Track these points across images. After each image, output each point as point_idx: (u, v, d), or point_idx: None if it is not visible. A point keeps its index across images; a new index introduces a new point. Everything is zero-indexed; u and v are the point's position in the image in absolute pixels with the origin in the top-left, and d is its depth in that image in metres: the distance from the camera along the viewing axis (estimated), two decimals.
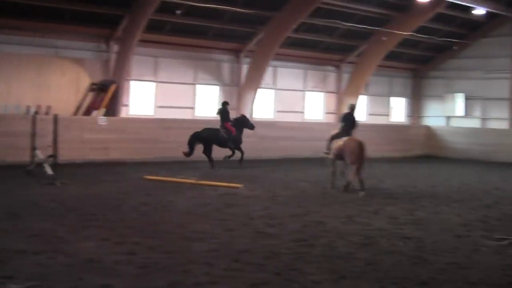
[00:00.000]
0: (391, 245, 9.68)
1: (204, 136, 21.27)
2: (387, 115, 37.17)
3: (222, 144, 21.65)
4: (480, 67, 34.60)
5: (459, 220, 12.33)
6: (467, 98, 35.27)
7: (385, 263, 8.50)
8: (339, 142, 16.39)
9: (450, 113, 35.90)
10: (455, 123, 35.76)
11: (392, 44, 32.00)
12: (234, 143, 21.84)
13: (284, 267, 8.07)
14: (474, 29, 34.45)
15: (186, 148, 21.05)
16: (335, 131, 17.28)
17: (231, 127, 21.70)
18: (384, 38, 31.11)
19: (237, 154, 21.79)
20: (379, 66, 33.46)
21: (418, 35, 31.85)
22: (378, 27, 30.59)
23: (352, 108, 17.47)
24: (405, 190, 16.88)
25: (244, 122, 22.32)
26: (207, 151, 21.44)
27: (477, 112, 35.03)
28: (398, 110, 38.21)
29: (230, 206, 13.12)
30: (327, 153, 17.23)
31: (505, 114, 33.46)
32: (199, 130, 21.21)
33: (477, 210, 13.76)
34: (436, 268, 8.38)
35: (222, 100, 23.25)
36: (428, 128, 33.68)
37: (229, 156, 21.88)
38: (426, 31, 32.12)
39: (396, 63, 35.91)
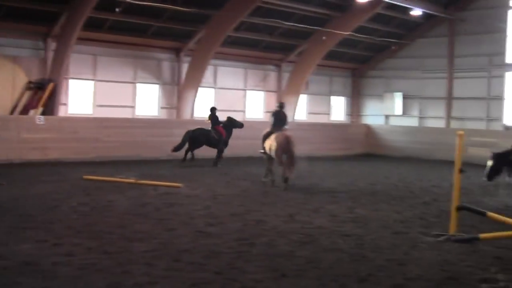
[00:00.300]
0: (331, 243, 9.75)
1: (196, 135, 21.62)
2: (328, 114, 37.56)
3: (211, 145, 22.23)
4: (418, 67, 35.32)
5: (398, 217, 12.52)
6: (405, 97, 35.96)
7: (326, 261, 8.56)
8: (270, 138, 16.81)
9: (389, 112, 36.54)
10: (393, 121, 36.43)
11: (332, 43, 32.35)
12: (224, 145, 22.61)
13: (225, 266, 8.03)
14: (411, 29, 35.13)
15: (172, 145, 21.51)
16: (268, 129, 17.52)
17: (222, 130, 22.35)
18: (324, 38, 31.41)
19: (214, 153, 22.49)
20: (319, 65, 33.79)
21: (358, 35, 32.26)
22: (318, 26, 30.86)
23: (281, 105, 18.05)
24: (345, 188, 17.04)
25: (232, 124, 22.81)
26: (192, 149, 21.81)
27: (415, 111, 35.75)
28: (338, 109, 38.65)
29: (170, 205, 12.99)
30: (264, 151, 17.44)
31: (441, 113, 34.24)
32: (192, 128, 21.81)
33: (415, 207, 14.01)
34: (375, 265, 8.47)
35: (211, 106, 23.64)
36: (367, 126, 34.17)
37: (218, 158, 22.48)
38: (365, 31, 32.58)
39: (336, 63, 36.33)
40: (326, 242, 9.82)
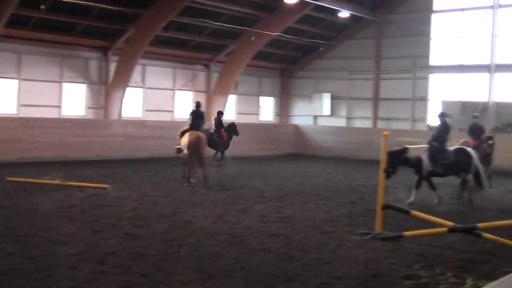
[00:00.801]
0: (259, 243, 9.78)
1: None
2: (257, 114, 37.68)
3: (213, 147, 23.25)
4: (346, 68, 35.86)
5: (325, 217, 12.69)
6: (333, 98, 36.43)
7: (253, 261, 8.58)
8: (185, 136, 17.42)
9: (317, 112, 36.95)
10: (322, 122, 36.87)
11: (261, 44, 32.47)
12: (224, 147, 23.89)
13: (151, 268, 7.95)
14: (340, 31, 35.63)
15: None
16: (185, 127, 17.92)
17: (224, 133, 23.74)
18: (253, 38, 31.51)
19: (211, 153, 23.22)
20: (248, 65, 33.87)
21: (286, 35, 32.49)
22: (247, 27, 30.93)
23: (198, 105, 18.80)
24: (273, 188, 17.15)
25: (234, 129, 24.34)
26: None
27: (343, 112, 36.28)
28: (267, 109, 38.84)
29: (97, 207, 12.78)
30: (180, 150, 17.77)
31: (368, 113, 34.87)
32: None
33: (342, 207, 14.23)
34: (302, 264, 8.55)
35: (218, 110, 24.85)
36: (296, 127, 34.50)
37: (220, 160, 23.77)
38: (294, 32, 32.84)
39: (265, 63, 36.48)
40: (254, 242, 9.85)
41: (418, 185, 15.32)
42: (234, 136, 24.34)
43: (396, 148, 15.16)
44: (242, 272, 8.00)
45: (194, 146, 16.92)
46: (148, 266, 8.07)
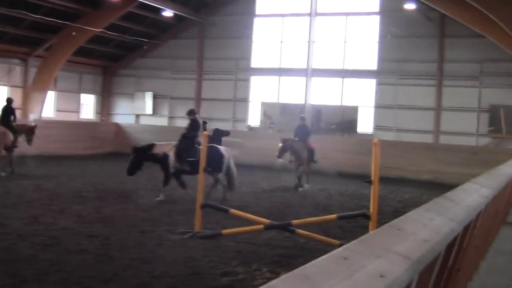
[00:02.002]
0: (76, 244, 9.52)
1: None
2: (77, 112, 36.57)
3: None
4: (169, 67, 35.88)
5: (145, 216, 12.62)
6: (155, 97, 36.31)
7: (70, 263, 8.33)
8: None
9: (140, 111, 36.62)
10: (144, 121, 36.58)
11: (83, 39, 31.56)
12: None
13: None
14: (164, 30, 35.58)
15: None
16: None
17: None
18: (74, 33, 30.55)
19: None
20: (69, 61, 32.75)
21: (109, 32, 31.88)
22: (68, 21, 29.90)
23: (9, 101, 18.78)
24: (93, 188, 16.76)
25: (220, 133, 21.01)
26: None
27: (165, 111, 36.27)
28: (88, 107, 37.84)
29: None
30: None
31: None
32: None
33: (162, 206, 14.23)
34: (121, 265, 8.44)
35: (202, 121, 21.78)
36: (117, 125, 33.94)
37: None
38: (118, 29, 32.31)
39: (87, 59, 35.49)
40: (71, 243, 9.56)
41: (165, 182, 15.35)
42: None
43: (142, 144, 15.48)
44: (58, 275, 7.74)
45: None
46: None
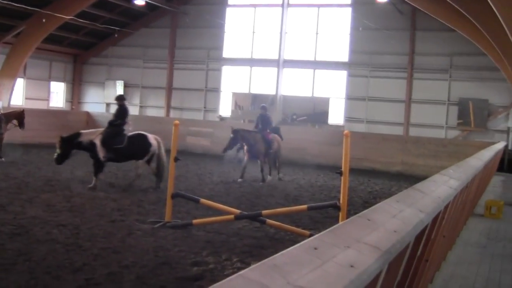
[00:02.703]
0: (45, 234, 9.43)
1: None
2: (47, 100, 36.14)
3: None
4: (140, 56, 35.63)
5: (115, 206, 12.54)
6: (126, 86, 36.01)
7: (39, 252, 8.25)
8: None
9: (110, 99, 36.13)
10: (114, 109, 36.20)
11: (53, 27, 31.12)
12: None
13: None
14: (135, 18, 35.27)
15: None
16: None
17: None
18: (44, 20, 30.12)
19: None
20: (39, 48, 32.29)
21: (80, 20, 31.50)
22: (38, 8, 29.47)
23: None
24: (62, 177, 16.53)
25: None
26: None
27: (136, 100, 35.99)
28: (58, 95, 37.39)
29: None
30: None
31: (162, 102, 34.97)
32: None
33: (133, 195, 14.15)
34: (91, 254, 8.39)
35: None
36: (88, 114, 33.67)
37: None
38: (89, 17, 31.93)
39: (57, 47, 35.04)
40: (40, 233, 9.47)
41: (97, 169, 15.04)
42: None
43: (68, 133, 15.41)
44: (27, 264, 7.66)
45: None
46: None
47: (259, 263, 1.60)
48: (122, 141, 15.01)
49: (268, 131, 19.50)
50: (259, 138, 18.92)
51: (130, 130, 15.82)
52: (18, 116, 20.89)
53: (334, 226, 2.17)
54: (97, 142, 14.97)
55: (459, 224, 8.59)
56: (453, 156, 23.32)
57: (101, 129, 15.52)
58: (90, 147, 15.00)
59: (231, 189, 16.58)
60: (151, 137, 15.73)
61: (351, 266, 1.78)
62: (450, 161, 16.14)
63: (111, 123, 15.53)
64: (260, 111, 20.28)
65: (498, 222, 11.87)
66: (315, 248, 1.82)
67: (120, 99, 16.13)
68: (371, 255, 1.97)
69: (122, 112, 15.66)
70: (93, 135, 15.26)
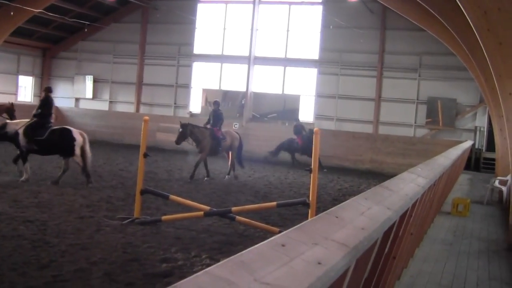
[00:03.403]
0: (12, 230, 9.30)
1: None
2: (15, 94, 35.65)
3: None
4: (111, 51, 35.32)
5: (84, 202, 12.43)
6: (96, 81, 35.69)
7: (5, 249, 8.14)
8: None
9: (80, 94, 35.94)
10: (84, 105, 35.94)
11: (21, 20, 30.68)
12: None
13: None
14: (106, 13, 34.97)
15: None
16: None
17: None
18: (12, 13, 29.69)
19: None
20: (7, 42, 31.83)
21: (50, 13, 31.11)
22: (6, 0, 29.07)
23: None
24: (30, 172, 16.29)
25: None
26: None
27: (106, 95, 35.70)
28: (26, 89, 36.91)
29: None
30: None
31: (132, 98, 34.75)
32: None
33: (102, 191, 14.04)
34: (58, 250, 8.31)
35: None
36: (56, 109, 33.26)
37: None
38: (59, 11, 31.56)
39: (26, 41, 34.59)
40: (6, 229, 9.34)
41: (23, 160, 14.95)
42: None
43: None
44: None
45: None
46: None
47: (226, 260, 1.60)
48: (43, 134, 14.78)
49: (217, 128, 18.95)
50: (207, 134, 18.59)
51: (52, 122, 15.50)
52: (8, 109, 20.74)
53: (302, 223, 2.18)
54: (20, 132, 14.79)
55: (427, 221, 8.69)
56: (421, 154, 23.60)
57: (27, 120, 15.27)
58: (14, 137, 14.83)
59: (201, 186, 16.56)
60: (76, 132, 15.27)
61: (319, 263, 1.79)
62: (419, 159, 16.30)
63: (34, 114, 15.29)
64: (213, 107, 19.78)
65: (465, 220, 12.04)
66: (283, 245, 1.82)
67: (47, 90, 15.87)
68: (339, 252, 1.98)
69: (46, 104, 15.35)
70: (19, 125, 15.08)
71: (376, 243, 3.07)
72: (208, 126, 18.99)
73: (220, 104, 20.25)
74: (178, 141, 18.58)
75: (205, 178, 18.11)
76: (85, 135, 15.50)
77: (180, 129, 18.56)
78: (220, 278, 1.46)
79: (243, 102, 20.95)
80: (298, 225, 2.12)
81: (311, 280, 1.64)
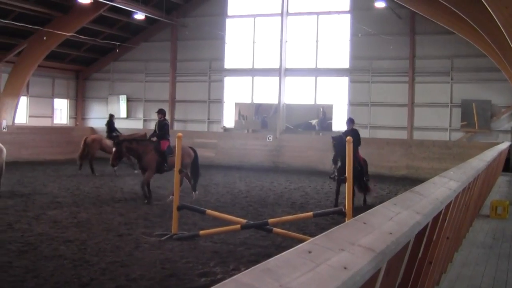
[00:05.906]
0: (52, 250, 9.48)
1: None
2: (50, 117, 36.27)
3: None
4: (142, 70, 35.72)
5: (121, 220, 12.59)
6: (129, 100, 36.12)
7: (46, 269, 8.30)
8: None
9: (115, 114, 36.33)
10: (118, 124, 36.26)
11: (54, 44, 31.30)
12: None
13: None
14: (136, 33, 35.41)
15: None
16: None
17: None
18: (45, 38, 30.30)
19: None
20: (41, 66, 32.46)
21: (81, 36, 31.64)
22: (38, 26, 29.66)
23: None
24: (69, 193, 16.65)
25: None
26: None
27: (140, 114, 36.06)
28: (61, 111, 37.52)
29: None
30: None
31: (166, 115, 34.93)
32: None
33: (139, 208, 14.20)
34: (98, 269, 8.43)
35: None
36: (92, 129, 33.78)
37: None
38: (89, 33, 32.08)
39: (59, 64, 35.21)
40: (47, 249, 9.52)
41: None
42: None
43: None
44: (34, 281, 7.71)
45: None
46: None
47: (252, 268, 1.64)
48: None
49: (166, 139, 16.63)
50: (150, 149, 16.09)
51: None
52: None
53: (329, 230, 2.21)
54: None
55: (464, 225, 8.61)
56: (458, 158, 23.33)
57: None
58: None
59: (237, 199, 16.62)
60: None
61: (344, 268, 1.82)
62: (455, 163, 16.13)
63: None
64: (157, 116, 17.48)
65: (504, 222, 11.88)
66: (309, 252, 1.86)
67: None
68: (365, 256, 2.01)
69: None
70: None
71: (408, 247, 3.09)
72: (154, 139, 16.61)
73: (166, 113, 17.85)
74: (113, 163, 16.13)
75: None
76: (2, 147, 15.56)
77: (114, 148, 16.11)
78: (246, 285, 1.51)
79: (270, 114, 20.74)
80: (325, 232, 2.16)
81: (336, 284, 1.68)
